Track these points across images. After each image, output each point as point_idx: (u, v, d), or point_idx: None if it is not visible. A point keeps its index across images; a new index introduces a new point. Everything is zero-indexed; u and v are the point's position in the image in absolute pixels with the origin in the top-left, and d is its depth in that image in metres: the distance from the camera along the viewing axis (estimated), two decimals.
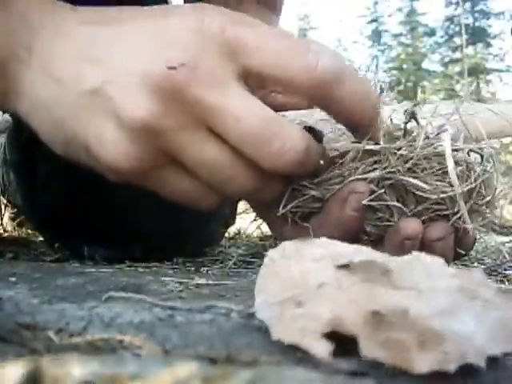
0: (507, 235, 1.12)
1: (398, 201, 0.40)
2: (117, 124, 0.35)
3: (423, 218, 0.40)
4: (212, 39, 0.35)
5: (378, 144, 0.39)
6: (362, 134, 0.39)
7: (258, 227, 0.49)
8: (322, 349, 0.20)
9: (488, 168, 0.40)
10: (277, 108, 0.37)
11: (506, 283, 0.47)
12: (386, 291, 0.24)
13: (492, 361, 0.20)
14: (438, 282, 0.25)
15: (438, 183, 0.39)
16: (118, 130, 0.35)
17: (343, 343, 0.21)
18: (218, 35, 0.35)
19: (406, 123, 0.40)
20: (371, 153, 0.40)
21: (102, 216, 0.60)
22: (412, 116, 0.40)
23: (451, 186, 0.39)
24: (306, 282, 0.24)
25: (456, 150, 0.40)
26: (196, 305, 0.30)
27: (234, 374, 0.16)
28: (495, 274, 0.53)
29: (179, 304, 0.31)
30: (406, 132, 0.41)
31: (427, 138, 0.40)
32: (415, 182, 0.39)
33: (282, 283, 0.25)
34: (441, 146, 0.39)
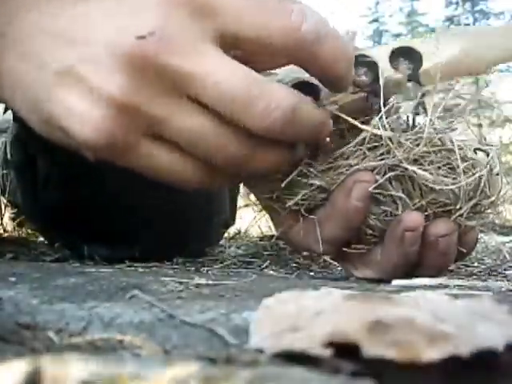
0: (507, 235, 1.12)
1: (403, 193, 0.40)
2: (90, 101, 0.34)
3: (427, 213, 0.40)
4: (181, 3, 0.33)
5: (386, 131, 0.39)
6: (337, 88, 0.39)
7: (258, 227, 0.49)
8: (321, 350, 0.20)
9: (493, 168, 0.40)
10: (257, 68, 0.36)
11: (506, 283, 0.47)
12: (389, 308, 0.23)
13: (494, 357, 0.20)
14: (445, 308, 0.24)
15: (444, 179, 0.39)
16: (91, 107, 0.34)
17: (343, 348, 0.21)
18: None
19: (414, 114, 0.40)
20: (377, 141, 0.40)
21: (102, 216, 0.60)
22: (422, 107, 0.40)
23: (457, 180, 0.39)
24: (303, 314, 0.24)
25: (461, 148, 0.40)
26: (196, 305, 0.30)
27: (234, 374, 0.16)
28: (495, 273, 0.53)
29: (179, 304, 0.31)
30: (414, 123, 0.40)
31: (434, 129, 0.40)
32: (421, 172, 0.38)
33: (278, 320, 0.25)
34: (449, 139, 0.39)
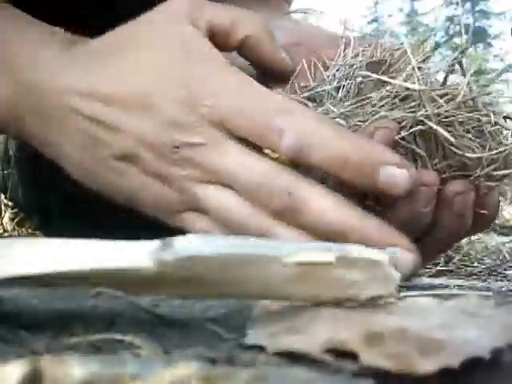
0: (507, 235, 1.12)
1: (425, 151, 0.38)
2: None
3: (445, 175, 0.39)
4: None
5: (419, 85, 0.37)
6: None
7: None
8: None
9: None
10: None
11: (506, 283, 0.47)
12: (383, 317, 0.24)
13: (494, 357, 0.20)
14: (435, 311, 0.25)
15: (471, 143, 0.37)
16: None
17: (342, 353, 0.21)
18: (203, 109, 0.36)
19: (448, 72, 0.38)
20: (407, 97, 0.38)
21: (104, 215, 0.61)
22: (458, 63, 0.38)
23: (482, 147, 0.37)
24: (301, 316, 0.24)
25: (494, 114, 0.38)
26: (196, 304, 0.30)
27: (234, 374, 0.16)
28: (495, 274, 0.53)
29: (179, 304, 0.31)
30: (446, 81, 0.39)
31: (470, 90, 0.38)
32: (446, 134, 0.37)
33: (276, 319, 0.25)
34: (482, 102, 0.37)
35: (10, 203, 0.85)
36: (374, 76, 0.39)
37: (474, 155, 0.37)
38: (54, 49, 0.40)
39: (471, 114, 0.38)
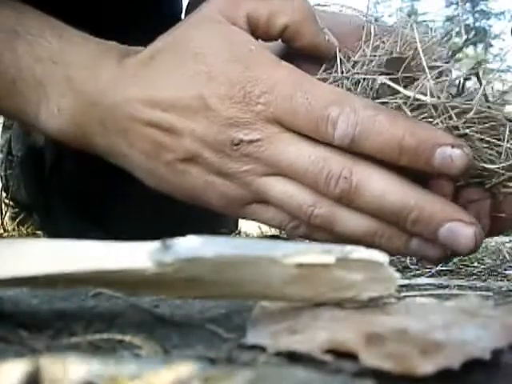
0: (507, 235, 1.12)
1: None
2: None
3: (460, 183, 0.38)
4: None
5: (433, 98, 0.37)
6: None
7: (258, 227, 0.49)
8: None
9: None
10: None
11: (506, 283, 0.47)
12: (382, 317, 0.24)
13: (494, 357, 0.20)
14: (435, 311, 0.25)
15: (488, 153, 0.37)
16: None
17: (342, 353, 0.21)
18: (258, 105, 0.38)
19: (465, 80, 0.38)
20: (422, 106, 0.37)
21: (107, 214, 0.61)
22: (475, 74, 0.38)
23: (499, 154, 0.37)
24: (300, 316, 0.24)
25: (510, 120, 0.37)
26: (196, 305, 0.30)
27: (234, 374, 0.16)
28: (495, 274, 0.53)
29: (179, 304, 0.31)
30: (464, 89, 0.38)
31: (486, 99, 0.38)
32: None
33: (275, 319, 0.25)
34: (498, 111, 0.37)
35: (11, 203, 0.86)
36: (390, 84, 0.38)
37: (492, 166, 0.37)
38: (112, 62, 0.41)
39: (487, 125, 0.37)
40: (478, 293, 0.39)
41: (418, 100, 0.37)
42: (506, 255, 0.64)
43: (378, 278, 0.25)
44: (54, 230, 0.71)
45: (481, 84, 0.38)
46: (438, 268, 0.56)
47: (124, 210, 0.62)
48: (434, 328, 0.22)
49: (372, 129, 0.36)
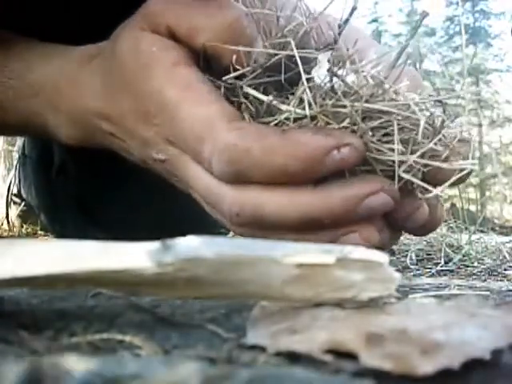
0: (507, 235, 1.12)
1: None
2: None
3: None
4: None
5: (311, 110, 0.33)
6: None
7: None
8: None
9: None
10: None
11: (506, 283, 0.47)
12: (382, 317, 0.24)
13: (494, 357, 0.20)
14: (435, 311, 0.25)
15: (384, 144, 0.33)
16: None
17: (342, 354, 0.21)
18: None
19: (333, 85, 0.34)
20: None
21: (107, 215, 0.61)
22: (331, 72, 0.33)
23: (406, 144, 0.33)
24: (300, 316, 0.24)
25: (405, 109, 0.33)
26: (196, 305, 0.30)
27: (234, 374, 0.16)
28: (495, 273, 0.53)
29: (179, 304, 0.31)
30: (333, 89, 0.34)
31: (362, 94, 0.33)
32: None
33: (275, 319, 0.25)
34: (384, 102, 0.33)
35: (19, 201, 0.87)
36: (265, 99, 0.35)
37: (384, 157, 0.33)
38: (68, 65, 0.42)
39: (376, 119, 0.34)
40: (478, 293, 0.39)
41: (297, 114, 0.34)
42: (506, 255, 0.64)
43: (377, 278, 0.25)
44: (61, 230, 0.72)
45: (335, 77, 0.34)
46: (438, 268, 0.56)
47: (124, 211, 0.62)
48: (434, 328, 0.22)
49: (251, 163, 0.33)
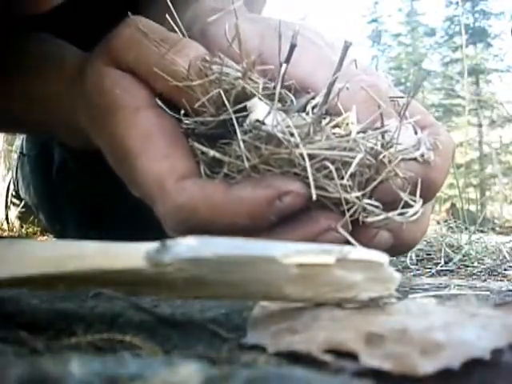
0: (507, 235, 1.12)
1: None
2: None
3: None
4: None
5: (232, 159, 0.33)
6: None
7: None
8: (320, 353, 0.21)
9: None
10: None
11: (506, 283, 0.47)
12: (382, 317, 0.24)
13: (494, 357, 0.20)
14: (435, 312, 0.25)
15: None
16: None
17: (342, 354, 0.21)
18: None
19: (257, 127, 0.32)
20: None
21: (107, 215, 0.61)
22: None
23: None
24: (301, 316, 0.24)
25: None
26: (196, 305, 0.30)
27: (234, 374, 0.16)
28: (495, 273, 0.53)
29: (179, 304, 0.31)
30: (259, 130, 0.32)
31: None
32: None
33: (275, 319, 0.25)
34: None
35: (18, 202, 0.87)
36: (210, 153, 0.34)
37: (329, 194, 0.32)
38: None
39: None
40: (478, 293, 0.39)
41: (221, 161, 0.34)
42: (506, 255, 0.64)
43: (377, 278, 0.25)
44: (60, 230, 0.72)
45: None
46: (438, 268, 0.56)
47: (124, 211, 0.62)
48: (434, 328, 0.22)
49: (200, 222, 0.33)
